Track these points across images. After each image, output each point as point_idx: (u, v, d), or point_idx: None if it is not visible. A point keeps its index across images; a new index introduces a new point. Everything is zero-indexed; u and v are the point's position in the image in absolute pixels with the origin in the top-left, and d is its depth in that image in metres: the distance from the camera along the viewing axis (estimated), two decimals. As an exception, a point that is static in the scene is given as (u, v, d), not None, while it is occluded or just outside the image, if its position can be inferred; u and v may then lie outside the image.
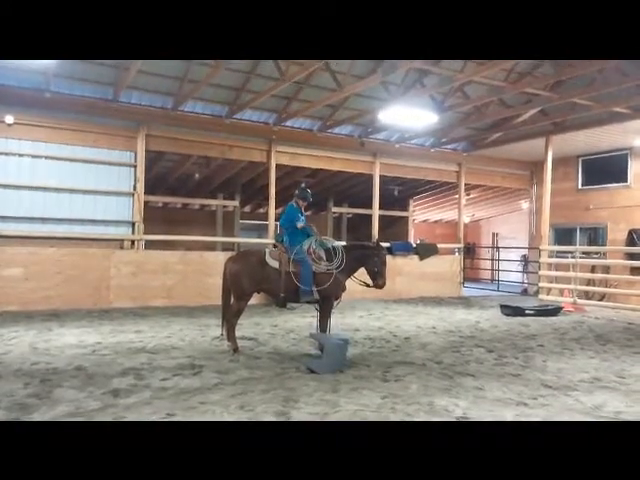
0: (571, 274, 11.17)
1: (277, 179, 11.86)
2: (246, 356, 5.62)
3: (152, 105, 10.34)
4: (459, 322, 8.71)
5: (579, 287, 11.22)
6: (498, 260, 15.76)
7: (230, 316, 5.86)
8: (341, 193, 16.32)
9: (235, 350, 5.71)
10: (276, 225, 12.40)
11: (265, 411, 3.74)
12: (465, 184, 14.33)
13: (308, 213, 15.68)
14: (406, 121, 10.23)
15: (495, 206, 18.80)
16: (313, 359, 5.45)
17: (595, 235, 13.48)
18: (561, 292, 11.67)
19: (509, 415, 3.78)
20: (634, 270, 11.25)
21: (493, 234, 20.51)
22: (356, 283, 6.21)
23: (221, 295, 6.04)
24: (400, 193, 16.39)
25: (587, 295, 11.86)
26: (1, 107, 8.98)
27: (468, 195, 16.19)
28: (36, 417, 3.57)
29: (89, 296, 9.36)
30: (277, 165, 11.65)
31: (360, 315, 9.20)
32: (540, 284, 12.42)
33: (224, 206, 15.14)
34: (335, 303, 6.14)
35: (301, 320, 8.34)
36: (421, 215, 20.36)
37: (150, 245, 10.99)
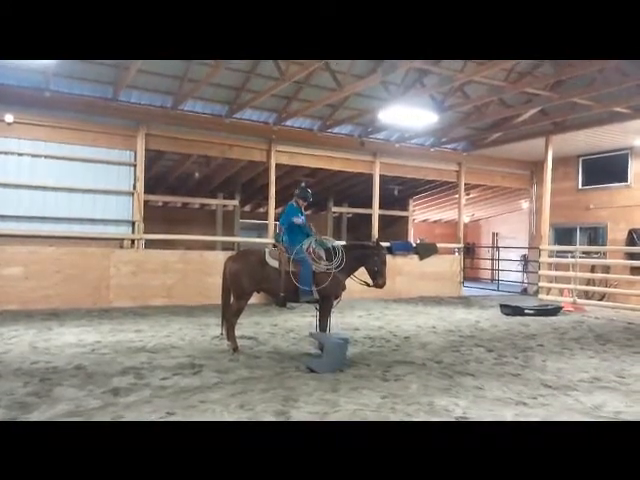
0: (571, 274, 11.17)
1: (277, 178, 11.86)
2: (246, 355, 5.62)
3: (152, 104, 10.34)
4: (459, 322, 8.71)
5: (579, 287, 11.22)
6: (498, 260, 15.76)
7: (230, 315, 5.86)
8: (341, 193, 16.32)
9: (235, 349, 5.71)
10: (276, 225, 12.41)
11: (265, 410, 3.74)
12: (465, 184, 14.33)
13: (308, 213, 15.66)
14: (406, 121, 10.22)
15: (495, 206, 18.80)
16: (313, 358, 5.45)
17: (595, 235, 13.49)
18: (561, 292, 11.67)
19: (509, 415, 3.78)
20: (634, 270, 11.26)
21: (493, 234, 20.52)
22: (356, 283, 6.21)
23: (221, 294, 6.04)
24: (400, 193, 16.39)
25: (587, 295, 11.87)
26: (1, 106, 8.98)
27: (468, 195, 16.19)
28: (36, 416, 3.57)
29: (89, 295, 9.36)
30: (277, 164, 11.65)
31: (360, 315, 9.20)
32: (540, 284, 12.42)
33: (224, 205, 15.14)
34: (335, 302, 6.14)
35: (301, 319, 8.34)
36: (421, 215, 20.36)
37: (150, 244, 10.99)
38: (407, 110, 9.57)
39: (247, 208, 17.50)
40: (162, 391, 4.22)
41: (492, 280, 16.73)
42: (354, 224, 17.58)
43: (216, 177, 14.12)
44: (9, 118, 9.07)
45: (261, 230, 14.72)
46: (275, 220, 11.93)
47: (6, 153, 9.16)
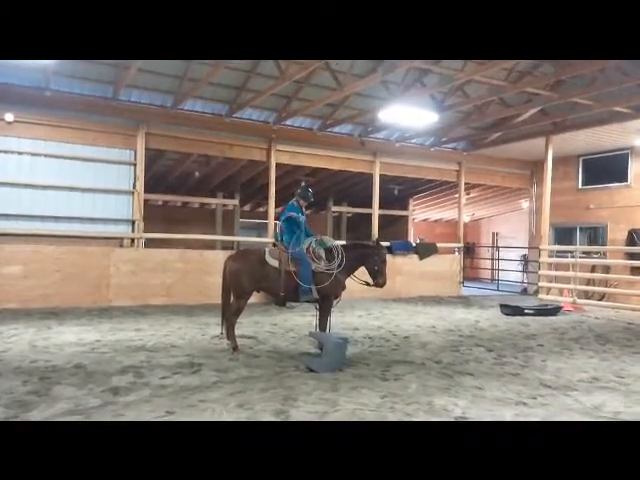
0: (571, 274, 11.18)
1: (277, 178, 11.85)
2: (245, 355, 5.62)
3: (152, 103, 10.33)
4: (459, 321, 8.71)
5: (579, 287, 11.22)
6: (498, 259, 15.76)
7: (230, 315, 5.86)
8: (341, 192, 16.32)
9: (234, 349, 5.71)
10: (276, 224, 12.41)
11: (264, 410, 3.74)
12: (465, 183, 14.33)
13: (308, 212, 15.69)
14: (406, 120, 10.22)
15: (495, 205, 18.80)
16: (312, 358, 5.45)
17: (595, 235, 13.48)
18: (561, 292, 11.67)
19: (508, 415, 3.78)
20: (634, 270, 11.25)
21: (493, 233, 20.52)
22: (356, 282, 6.21)
23: (221, 294, 6.04)
24: (400, 192, 16.39)
25: (587, 295, 11.87)
26: (1, 105, 8.98)
27: (468, 194, 16.19)
28: (35, 414, 3.57)
29: (88, 294, 9.36)
30: (277, 164, 11.64)
31: (359, 314, 9.20)
32: (540, 284, 12.42)
33: (224, 205, 15.13)
34: (335, 302, 6.14)
35: (300, 319, 8.34)
36: (421, 214, 20.36)
37: (150, 243, 10.99)
38: (407, 110, 9.56)
39: (247, 207, 17.50)
40: (162, 390, 4.22)
41: (492, 280, 16.73)
42: (354, 224, 17.57)
43: (216, 176, 14.12)
44: (9, 117, 9.07)
45: (261, 229, 14.73)
46: (275, 220, 11.94)
47: (6, 152, 9.16)
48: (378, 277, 6.11)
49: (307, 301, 6.13)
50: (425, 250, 13.26)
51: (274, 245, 6.32)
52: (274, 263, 5.83)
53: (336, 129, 12.10)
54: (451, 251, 14.56)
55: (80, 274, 9.32)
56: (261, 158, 11.67)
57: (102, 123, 9.84)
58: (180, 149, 11.10)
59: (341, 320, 8.12)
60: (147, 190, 10.63)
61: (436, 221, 21.67)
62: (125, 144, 10.13)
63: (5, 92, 8.99)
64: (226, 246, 13.51)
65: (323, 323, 6.05)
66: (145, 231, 10.26)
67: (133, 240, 10.07)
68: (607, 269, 12.19)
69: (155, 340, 6.37)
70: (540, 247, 12.42)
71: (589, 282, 12.17)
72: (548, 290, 12.15)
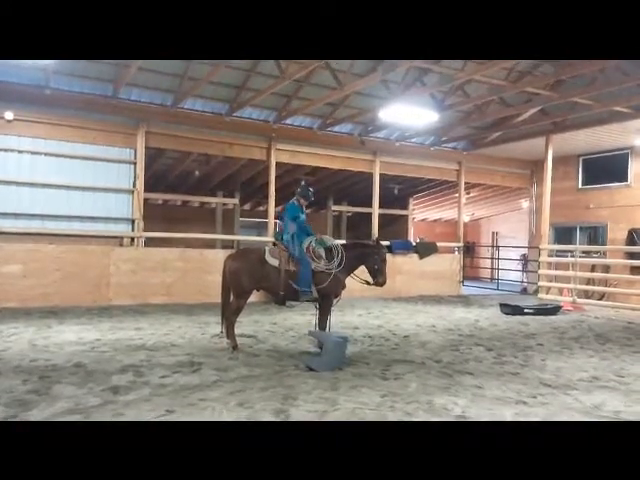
0: (571, 273, 11.18)
1: (277, 177, 11.85)
2: (245, 354, 5.63)
3: (152, 102, 10.33)
4: (458, 321, 8.72)
5: (579, 286, 11.23)
6: (498, 259, 15.76)
7: (229, 314, 5.86)
8: (341, 191, 16.31)
9: (234, 348, 5.71)
10: (276, 223, 12.41)
11: (264, 408, 3.75)
12: (465, 183, 14.33)
13: (308, 212, 15.70)
14: (406, 119, 10.21)
15: (495, 205, 18.80)
16: (312, 357, 5.45)
17: (595, 234, 13.48)
18: (560, 291, 11.68)
19: (508, 414, 3.78)
20: (634, 269, 11.26)
21: (493, 233, 20.53)
22: (357, 281, 6.21)
23: (221, 293, 6.04)
24: (400, 192, 16.39)
25: (587, 294, 11.87)
26: (1, 103, 8.97)
27: (468, 194, 16.19)
28: (35, 413, 3.57)
29: (88, 293, 9.36)
30: (277, 163, 11.64)
31: (359, 313, 9.20)
32: (540, 283, 12.43)
33: (224, 204, 15.14)
34: (334, 301, 6.14)
35: (300, 318, 8.34)
36: (421, 214, 20.36)
37: (150, 242, 10.98)
38: (407, 109, 9.55)
39: (247, 206, 17.50)
40: (161, 389, 4.22)
41: (492, 279, 16.72)
42: (354, 223, 17.58)
43: (216, 175, 14.11)
44: (9, 115, 9.06)
45: (261, 229, 14.73)
46: (275, 219, 11.94)
47: (6, 150, 9.15)
48: (378, 276, 6.10)
49: (307, 300, 6.13)
50: (425, 249, 13.27)
51: (274, 244, 6.31)
52: (274, 262, 5.83)
53: (336, 128, 12.09)
54: (451, 250, 14.57)
55: (80, 273, 9.32)
56: (261, 157, 11.67)
57: (102, 122, 9.83)
58: (180, 148, 11.09)
59: (341, 319, 8.12)
60: (147, 189, 10.63)
61: (436, 220, 21.67)
62: (125, 143, 10.12)
63: (5, 90, 8.98)
64: (226, 245, 13.52)
65: (323, 322, 6.05)
66: (145, 230, 10.25)
67: (133, 239, 10.07)
68: (607, 268, 12.20)
69: (155, 339, 6.37)
70: (540, 246, 12.42)
71: (589, 282, 12.18)
72: (548, 289, 12.15)
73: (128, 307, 9.16)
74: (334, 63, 9.17)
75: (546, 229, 12.44)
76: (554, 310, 9.96)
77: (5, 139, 9.14)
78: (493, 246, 18.61)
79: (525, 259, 15.95)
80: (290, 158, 11.91)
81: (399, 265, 12.40)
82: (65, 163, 9.60)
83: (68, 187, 9.58)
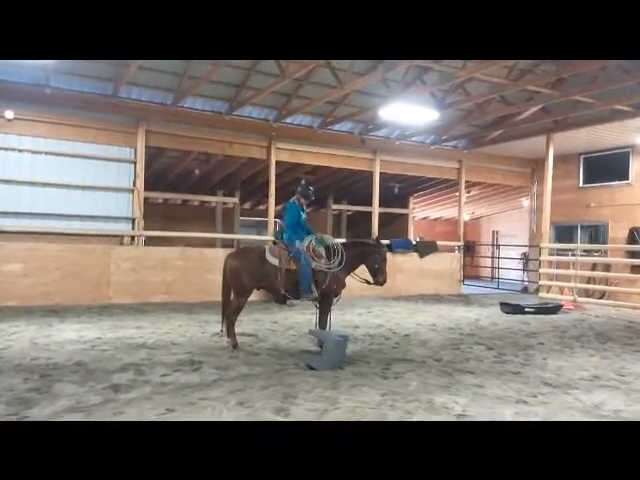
0: (571, 272, 11.18)
1: (277, 176, 11.84)
2: (245, 352, 5.62)
3: (152, 101, 10.32)
4: (459, 320, 8.71)
5: (579, 285, 11.22)
6: (498, 258, 15.76)
7: (230, 312, 5.86)
8: (341, 190, 16.30)
9: (235, 346, 5.71)
10: (276, 222, 12.41)
11: (264, 407, 3.74)
12: (465, 181, 14.32)
13: (308, 210, 15.70)
14: (407, 118, 10.20)
15: (495, 204, 18.78)
16: (312, 356, 5.45)
17: (596, 233, 13.47)
18: (561, 290, 11.67)
19: (508, 413, 3.77)
20: (635, 268, 11.25)
21: (493, 232, 20.51)
22: (357, 280, 6.20)
23: (221, 291, 6.04)
24: (400, 190, 16.37)
25: (587, 293, 11.87)
26: (1, 102, 8.97)
27: (468, 193, 16.18)
28: (36, 411, 3.57)
29: (89, 292, 9.37)
30: (277, 162, 11.63)
31: (359, 312, 9.20)
32: (540, 282, 12.42)
33: (224, 203, 15.13)
34: (335, 300, 6.13)
35: (301, 317, 8.34)
36: (421, 212, 20.35)
37: (150, 241, 10.98)
38: (408, 107, 9.54)
39: (247, 205, 17.49)
40: (162, 388, 4.22)
41: (492, 278, 16.72)
42: (354, 222, 17.57)
43: (216, 174, 14.10)
44: (9, 114, 9.06)
45: (261, 227, 14.71)
46: (275, 218, 11.94)
47: (6, 149, 9.15)
48: (378, 275, 6.09)
49: (307, 299, 6.12)
50: (425, 248, 13.26)
51: (274, 243, 6.31)
52: (274, 261, 5.82)
53: (336, 127, 12.08)
54: (451, 249, 14.56)
55: (80, 272, 9.32)
56: (261, 156, 11.66)
57: (102, 121, 9.83)
58: (180, 147, 11.09)
59: (341, 318, 8.12)
60: (147, 188, 10.62)
61: (436, 219, 21.65)
62: (125, 142, 10.12)
63: (5, 89, 8.97)
64: (226, 244, 13.51)
65: (323, 321, 6.05)
66: (145, 229, 10.26)
67: (133, 238, 10.07)
68: (608, 267, 12.19)
69: (155, 338, 6.37)
70: (541, 245, 12.41)
71: (590, 280, 12.17)
72: (548, 288, 12.15)
73: (128, 306, 9.17)
74: (334, 62, 9.16)
75: (547, 228, 12.43)
76: (555, 309, 9.95)
77: (5, 138, 9.14)
78: (493, 245, 18.60)
79: (526, 258, 15.94)
80: (290, 157, 11.91)
81: (399, 264, 12.40)
82: (65, 162, 9.59)
83: (68, 186, 9.58)
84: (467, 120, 12.18)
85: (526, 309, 9.75)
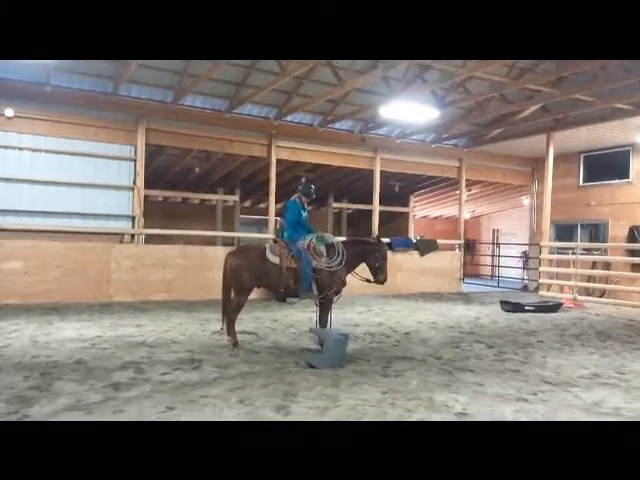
0: (571, 270, 11.17)
1: (277, 174, 11.83)
2: (246, 350, 5.63)
3: (152, 99, 10.31)
4: (459, 318, 8.72)
5: (579, 284, 11.22)
6: (498, 256, 15.75)
7: (230, 310, 5.86)
8: (341, 188, 16.30)
9: (235, 344, 5.71)
10: (276, 220, 12.40)
11: (264, 405, 3.75)
12: (466, 180, 14.31)
13: (309, 209, 15.67)
14: (407, 116, 10.19)
15: (496, 202, 18.77)
16: (313, 354, 5.45)
17: (596, 232, 13.47)
18: (561, 288, 11.67)
19: (508, 411, 3.78)
20: (635, 267, 11.25)
21: (493, 230, 20.51)
22: (357, 279, 6.20)
23: (221, 290, 6.04)
24: (400, 189, 16.36)
25: (587, 292, 11.87)
26: (1, 100, 8.96)
27: (469, 191, 16.17)
28: (36, 409, 3.57)
29: (89, 290, 9.37)
30: (277, 160, 11.62)
31: (360, 311, 9.20)
32: (540, 280, 12.42)
33: (224, 201, 15.12)
34: (335, 298, 6.13)
35: (301, 315, 8.34)
36: (421, 211, 20.33)
37: (150, 239, 10.98)
38: (408, 106, 9.52)
39: (247, 204, 17.48)
40: (162, 386, 4.22)
41: (492, 277, 16.73)
42: (354, 220, 17.56)
43: (216, 172, 14.09)
44: (9, 112, 9.05)
45: (261, 226, 14.70)
46: (275, 216, 11.93)
47: (6, 147, 9.15)
48: (379, 274, 6.09)
49: (307, 297, 6.12)
50: (425, 246, 13.27)
51: (274, 241, 6.30)
52: (275, 259, 5.82)
53: (337, 125, 12.07)
54: (451, 248, 14.56)
55: (81, 270, 9.32)
56: (261, 154, 11.65)
57: (102, 118, 9.82)
58: (180, 145, 11.08)
59: (341, 316, 8.12)
60: (147, 186, 10.62)
61: (436, 218, 21.64)
62: (125, 140, 10.11)
63: (5, 87, 8.96)
64: (226, 242, 13.50)
65: (323, 319, 6.05)
66: (145, 227, 10.25)
67: (133, 236, 10.07)
68: (608, 266, 12.19)
69: (156, 336, 6.37)
70: (541, 244, 12.41)
71: (590, 279, 12.17)
72: (549, 287, 12.15)
73: (129, 304, 9.17)
74: (335, 60, 9.14)
75: (547, 226, 12.43)
76: (555, 307, 9.96)
77: (5, 136, 9.13)
78: (494, 243, 18.60)
79: (526, 256, 15.94)
80: (290, 155, 11.90)
81: (399, 262, 12.40)
82: (65, 160, 9.59)
83: (68, 184, 9.58)
84: (467, 118, 12.17)
85: (526, 307, 9.75)
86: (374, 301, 10.55)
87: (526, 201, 16.59)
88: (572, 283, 11.13)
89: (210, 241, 13.60)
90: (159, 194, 14.68)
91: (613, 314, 9.70)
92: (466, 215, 17.01)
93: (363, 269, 6.20)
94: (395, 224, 16.64)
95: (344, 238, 8.19)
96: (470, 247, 18.46)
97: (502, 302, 10.07)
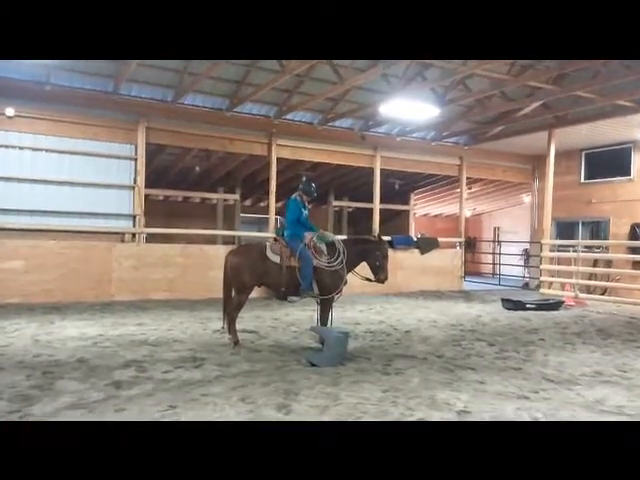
0: (573, 268, 11.16)
1: (278, 173, 11.83)
2: (247, 349, 5.63)
3: (152, 98, 10.30)
4: (460, 316, 8.71)
5: (581, 281, 11.21)
6: (499, 254, 15.74)
7: (231, 309, 5.87)
8: (342, 187, 16.28)
9: (236, 343, 5.72)
10: (277, 219, 12.39)
11: (266, 404, 3.75)
12: (466, 178, 14.29)
13: (309, 207, 15.64)
14: (407, 114, 10.17)
15: (496, 200, 18.75)
16: (314, 352, 5.46)
17: (597, 229, 13.45)
18: (562, 286, 11.66)
19: (510, 409, 3.77)
20: (636, 264, 11.23)
21: (494, 228, 20.49)
22: (358, 278, 6.19)
23: (222, 288, 6.04)
24: (401, 187, 16.35)
25: (589, 289, 11.86)
26: (2, 99, 8.96)
27: (469, 189, 16.15)
28: (38, 408, 3.58)
29: (90, 289, 9.38)
30: (278, 159, 11.62)
31: (361, 309, 9.20)
32: (541, 278, 12.40)
33: (225, 200, 15.11)
34: (336, 297, 6.13)
35: (302, 313, 8.34)
36: (422, 209, 20.32)
37: (151, 238, 10.97)
38: (408, 103, 9.51)
39: (248, 202, 17.47)
40: (164, 384, 4.23)
41: (493, 274, 16.72)
42: (355, 218, 17.55)
43: (217, 171, 14.09)
44: (10, 112, 9.05)
45: (262, 224, 14.69)
46: (276, 214, 11.93)
47: (7, 147, 9.15)
48: (380, 273, 6.08)
49: (308, 296, 6.12)
50: (426, 245, 13.26)
51: (275, 240, 6.30)
52: (275, 258, 5.82)
53: (337, 123, 12.06)
54: (452, 246, 14.54)
55: (82, 269, 9.33)
56: (262, 153, 11.65)
57: (103, 117, 9.82)
58: (181, 144, 11.08)
59: (342, 315, 8.12)
60: (148, 185, 10.62)
61: (437, 216, 21.63)
62: (126, 139, 10.11)
63: (5, 86, 8.96)
64: (227, 241, 13.49)
65: (324, 318, 6.05)
66: (146, 226, 10.26)
67: (134, 235, 10.07)
68: (609, 263, 12.17)
69: (157, 334, 6.38)
70: (542, 241, 12.39)
71: (591, 276, 12.16)
72: (550, 285, 12.13)
73: (130, 303, 9.18)
74: (335, 58, 9.13)
75: (548, 224, 12.41)
76: (556, 305, 9.95)
77: (6, 135, 9.13)
78: (495, 241, 18.58)
79: (527, 254, 15.92)
80: (291, 154, 11.89)
81: (400, 260, 12.39)
82: (66, 159, 9.59)
83: (69, 183, 9.58)
84: (468, 116, 12.15)
85: (527, 305, 9.74)
86: (375, 299, 10.55)
87: (527, 199, 16.57)
88: (573, 281, 11.12)
89: (211, 240, 13.59)
90: (160, 193, 14.68)
91: (614, 312, 9.69)
92: (467, 213, 16.99)
93: (363, 268, 6.19)
94: (396, 222, 16.63)
95: (345, 237, 8.19)
96: (471, 245, 18.42)
97: (503, 300, 10.06)
